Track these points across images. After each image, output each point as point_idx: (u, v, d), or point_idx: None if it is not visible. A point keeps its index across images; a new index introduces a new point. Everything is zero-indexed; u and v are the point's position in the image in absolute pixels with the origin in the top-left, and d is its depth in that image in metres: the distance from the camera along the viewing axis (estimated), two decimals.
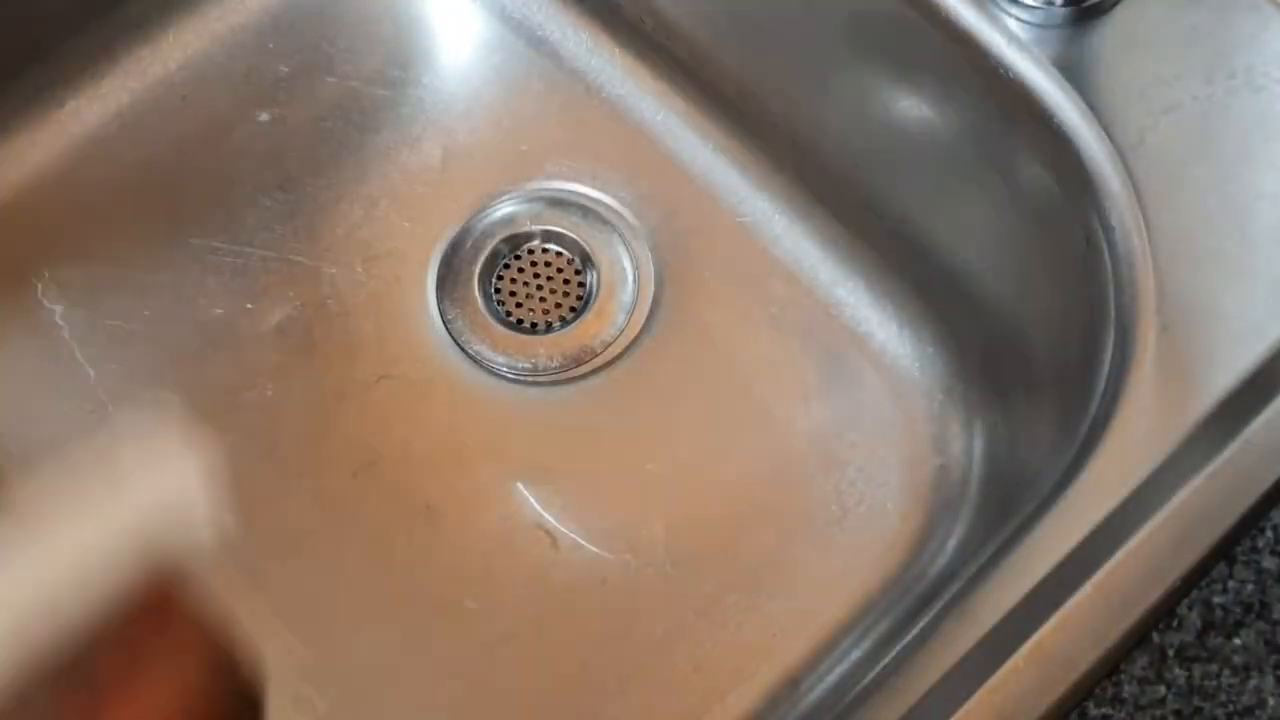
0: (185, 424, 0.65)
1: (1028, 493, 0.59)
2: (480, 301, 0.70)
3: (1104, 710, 0.50)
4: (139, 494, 0.40)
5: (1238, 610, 0.51)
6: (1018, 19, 0.60)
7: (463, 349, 0.69)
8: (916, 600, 0.62)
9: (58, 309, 0.69)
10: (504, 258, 0.71)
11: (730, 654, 0.63)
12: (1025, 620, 0.50)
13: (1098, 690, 0.50)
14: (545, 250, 0.71)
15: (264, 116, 0.72)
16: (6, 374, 0.68)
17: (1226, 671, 0.50)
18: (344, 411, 0.67)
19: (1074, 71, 0.58)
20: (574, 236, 0.71)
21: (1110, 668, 0.50)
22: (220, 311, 0.69)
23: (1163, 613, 0.51)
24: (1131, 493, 0.52)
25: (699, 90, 0.72)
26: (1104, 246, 0.57)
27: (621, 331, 0.69)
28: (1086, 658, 0.49)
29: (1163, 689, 0.50)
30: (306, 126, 0.72)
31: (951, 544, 0.64)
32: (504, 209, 0.71)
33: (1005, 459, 0.64)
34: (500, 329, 0.69)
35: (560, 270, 0.71)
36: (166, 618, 0.39)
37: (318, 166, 0.72)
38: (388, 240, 0.71)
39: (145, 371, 0.68)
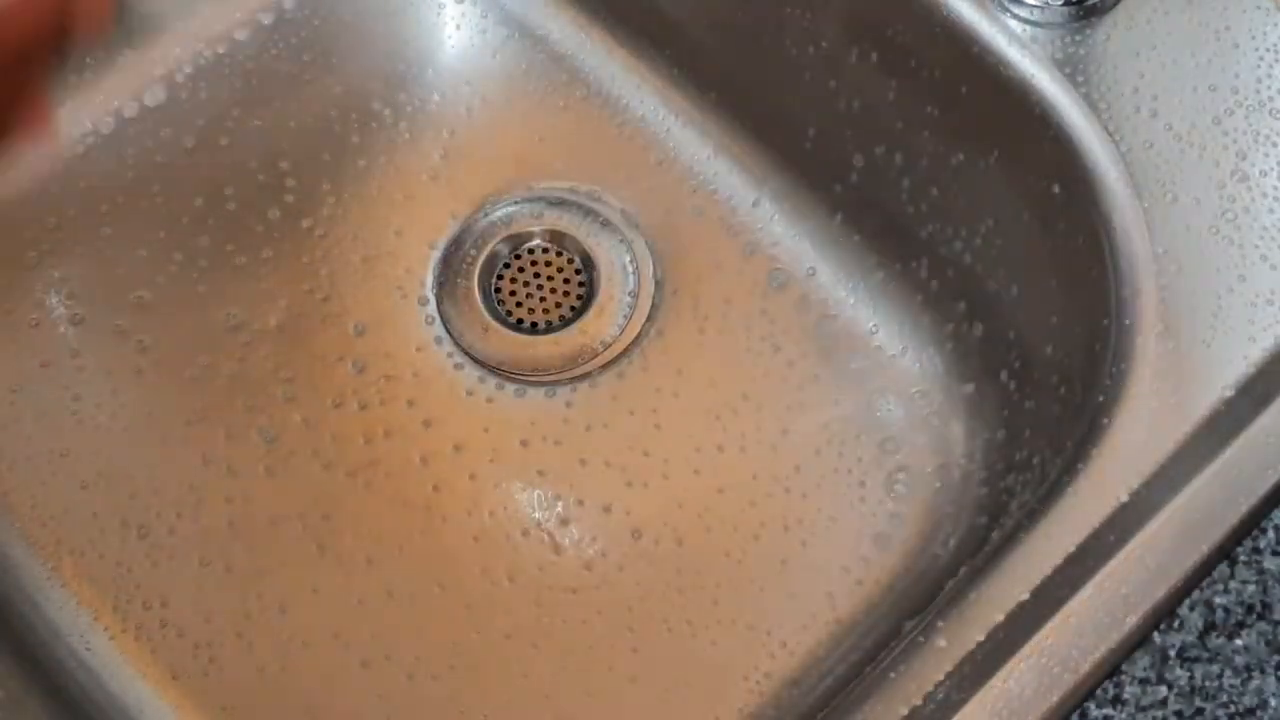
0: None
1: (1028, 493, 0.59)
2: (480, 301, 0.70)
3: (1105, 711, 0.50)
4: None
5: (1239, 611, 0.51)
6: (1018, 18, 0.60)
7: (463, 349, 0.68)
8: (916, 600, 0.62)
9: (57, 309, 0.69)
10: (504, 258, 0.71)
11: (730, 654, 0.63)
12: (1026, 620, 0.50)
13: (1099, 691, 0.50)
14: (545, 250, 0.71)
15: (264, 116, 0.72)
16: (6, 373, 0.68)
17: (1228, 672, 0.50)
18: (344, 411, 0.67)
19: (1075, 71, 0.58)
20: (574, 236, 0.71)
21: (1111, 668, 0.50)
22: (220, 311, 0.69)
23: (1164, 613, 0.51)
24: (1133, 493, 0.52)
25: (699, 90, 0.72)
26: (1104, 246, 0.57)
27: (621, 331, 0.69)
28: (1088, 658, 0.49)
29: (1164, 690, 0.50)
30: (306, 126, 0.72)
31: (952, 544, 0.64)
32: (504, 209, 0.71)
33: (1006, 459, 0.64)
34: (500, 329, 0.69)
35: (560, 270, 0.71)
36: None
37: (318, 166, 0.72)
38: (387, 240, 0.71)
39: (144, 371, 0.68)
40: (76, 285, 0.69)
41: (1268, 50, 0.58)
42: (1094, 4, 0.59)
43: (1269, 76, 0.58)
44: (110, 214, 0.70)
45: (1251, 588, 0.51)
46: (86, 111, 0.71)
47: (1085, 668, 0.49)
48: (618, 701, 0.62)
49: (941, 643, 0.51)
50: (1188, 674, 0.50)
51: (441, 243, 0.70)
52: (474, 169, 0.72)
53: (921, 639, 0.51)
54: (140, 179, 0.71)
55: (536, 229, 0.71)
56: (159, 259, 0.70)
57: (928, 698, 0.50)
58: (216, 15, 0.73)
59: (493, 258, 0.70)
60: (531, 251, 0.71)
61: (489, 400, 0.68)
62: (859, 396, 0.67)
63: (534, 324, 0.69)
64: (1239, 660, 0.50)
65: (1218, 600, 0.51)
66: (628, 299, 0.69)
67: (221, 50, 0.72)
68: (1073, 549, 0.51)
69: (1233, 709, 0.50)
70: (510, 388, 0.68)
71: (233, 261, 0.70)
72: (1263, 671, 0.50)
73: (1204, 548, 0.51)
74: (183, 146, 0.71)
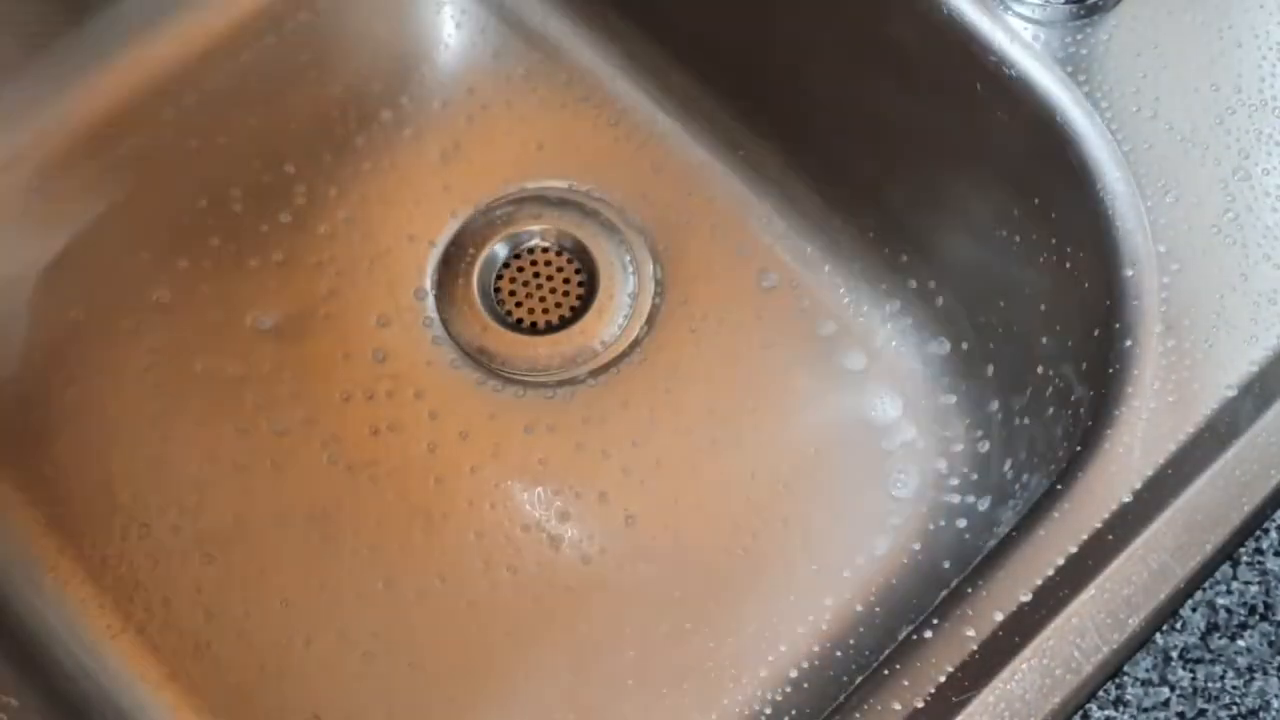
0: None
1: (1028, 494, 0.59)
2: (480, 301, 0.69)
3: (1108, 713, 0.50)
4: None
5: (1242, 612, 0.51)
6: (1020, 17, 0.59)
7: (463, 349, 0.68)
8: (916, 600, 0.62)
9: (60, 309, 0.69)
10: (504, 258, 0.71)
11: (729, 654, 0.63)
12: (1028, 621, 0.50)
13: (1101, 692, 0.50)
14: (545, 250, 0.71)
15: (264, 116, 0.72)
16: None
17: (1231, 673, 0.50)
18: (343, 411, 0.67)
19: (1076, 70, 0.58)
20: (574, 236, 0.71)
21: (1114, 670, 0.50)
22: (220, 311, 0.69)
23: (1166, 614, 0.51)
24: (1134, 493, 0.52)
25: (699, 91, 0.72)
26: (1105, 246, 0.57)
27: (621, 332, 0.69)
28: (1090, 659, 0.49)
29: (1167, 691, 0.50)
30: (307, 127, 0.72)
31: (953, 545, 0.63)
32: (504, 209, 0.71)
33: (1004, 460, 0.64)
34: (500, 329, 0.69)
35: (560, 270, 0.71)
36: None
37: (318, 167, 0.72)
38: (387, 240, 0.70)
39: (148, 371, 0.68)
40: (79, 287, 0.69)
41: (1270, 49, 0.58)
42: (1096, 2, 0.59)
43: (1272, 75, 0.57)
44: (109, 214, 0.70)
45: (1254, 588, 0.51)
46: (84, 111, 0.71)
47: (1087, 669, 0.49)
48: (617, 701, 0.62)
49: (942, 643, 0.51)
50: (1190, 675, 0.50)
51: (441, 242, 0.70)
52: (474, 169, 0.72)
53: (921, 639, 0.51)
54: (138, 179, 0.71)
55: (536, 229, 0.71)
56: (163, 260, 0.70)
57: (928, 698, 0.49)
58: (216, 15, 0.73)
59: (492, 258, 0.70)
60: (531, 251, 0.71)
61: (488, 400, 0.68)
62: (855, 397, 0.67)
63: (534, 324, 0.69)
64: (1241, 661, 0.50)
65: (1220, 601, 0.51)
66: (627, 299, 0.69)
67: (221, 50, 0.72)
68: (1074, 549, 0.51)
69: (1235, 710, 0.50)
70: (509, 388, 0.68)
71: (234, 262, 0.70)
72: (1265, 673, 0.50)
73: (1206, 548, 0.50)
74: (184, 147, 0.71)
